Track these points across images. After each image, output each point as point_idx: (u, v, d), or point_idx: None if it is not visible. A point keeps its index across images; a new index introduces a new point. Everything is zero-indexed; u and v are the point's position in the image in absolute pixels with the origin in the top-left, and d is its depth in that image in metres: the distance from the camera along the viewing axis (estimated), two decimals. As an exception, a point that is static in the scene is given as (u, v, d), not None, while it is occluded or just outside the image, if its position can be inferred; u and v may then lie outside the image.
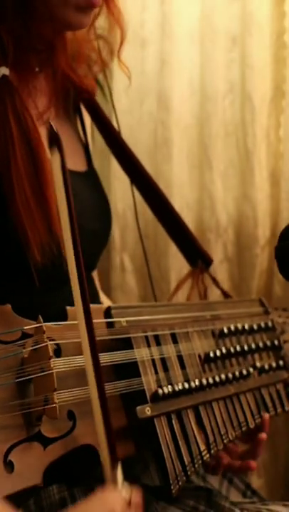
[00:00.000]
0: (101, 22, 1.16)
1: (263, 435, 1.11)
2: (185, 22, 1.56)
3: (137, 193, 1.34)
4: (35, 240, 0.95)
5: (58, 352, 0.92)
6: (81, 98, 1.23)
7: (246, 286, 1.63)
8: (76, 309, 0.84)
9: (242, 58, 1.58)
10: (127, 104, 1.58)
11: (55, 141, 0.81)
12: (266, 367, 1.14)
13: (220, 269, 1.63)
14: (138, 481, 1.05)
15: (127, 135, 1.55)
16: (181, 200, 1.60)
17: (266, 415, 1.12)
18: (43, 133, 1.04)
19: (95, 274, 1.25)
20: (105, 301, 1.30)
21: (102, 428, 0.81)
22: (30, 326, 0.91)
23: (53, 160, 0.81)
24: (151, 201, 1.33)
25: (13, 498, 0.86)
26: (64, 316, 0.97)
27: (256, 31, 1.55)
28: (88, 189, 1.15)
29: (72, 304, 0.95)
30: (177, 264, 1.58)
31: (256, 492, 1.21)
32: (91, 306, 0.84)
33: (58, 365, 0.89)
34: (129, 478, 1.03)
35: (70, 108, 1.21)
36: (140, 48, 1.57)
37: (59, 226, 0.97)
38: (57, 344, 0.92)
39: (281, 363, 1.17)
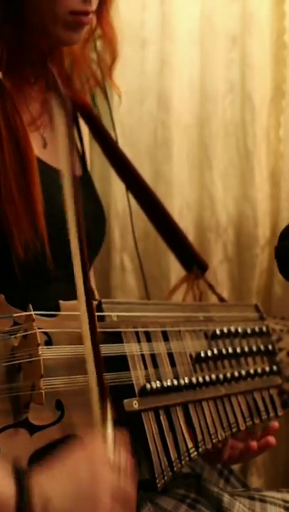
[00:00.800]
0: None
1: (272, 439, 1.13)
2: (185, 22, 1.56)
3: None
4: (19, 236, 0.96)
5: (49, 343, 0.92)
6: (80, 111, 1.24)
7: (246, 286, 1.63)
8: (78, 294, 0.85)
9: (242, 58, 1.58)
10: (127, 104, 1.58)
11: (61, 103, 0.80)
12: (259, 371, 1.13)
13: (220, 269, 1.63)
14: None
15: (127, 135, 1.56)
16: (181, 200, 1.60)
17: (275, 424, 1.13)
18: (35, 138, 1.05)
19: (90, 275, 1.26)
20: None
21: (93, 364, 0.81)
22: (20, 313, 0.92)
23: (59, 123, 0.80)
24: (147, 208, 1.33)
25: None
26: (57, 307, 0.97)
27: (256, 31, 1.55)
28: (82, 192, 1.16)
29: (56, 303, 0.97)
30: (177, 263, 1.58)
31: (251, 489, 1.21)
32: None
33: (46, 352, 0.90)
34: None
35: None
36: (140, 48, 1.57)
37: (43, 224, 0.98)
38: (48, 336, 0.92)
39: (275, 368, 1.16)
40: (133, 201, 1.35)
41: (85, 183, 1.19)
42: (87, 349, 0.85)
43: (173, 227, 1.33)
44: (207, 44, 1.57)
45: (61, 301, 0.97)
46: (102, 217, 1.24)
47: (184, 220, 1.59)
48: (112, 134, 1.31)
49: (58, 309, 0.97)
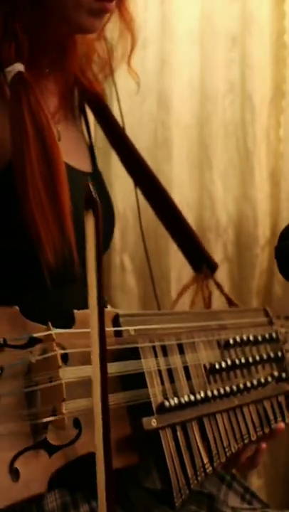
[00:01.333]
0: (112, 25, 1.14)
1: (264, 445, 1.11)
2: (185, 22, 1.56)
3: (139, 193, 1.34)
4: (48, 241, 0.94)
5: (65, 358, 0.90)
6: (88, 100, 1.22)
7: (246, 286, 1.63)
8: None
9: (242, 58, 1.58)
10: (127, 104, 1.57)
11: (91, 204, 0.78)
12: (269, 379, 1.13)
13: (220, 269, 1.61)
14: (140, 485, 1.04)
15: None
16: (181, 200, 1.60)
17: (281, 424, 1.12)
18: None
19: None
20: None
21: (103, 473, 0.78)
22: (39, 333, 0.89)
23: (87, 223, 0.78)
24: (156, 205, 1.30)
25: (15, 505, 0.85)
26: (69, 318, 0.96)
27: (256, 31, 1.55)
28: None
29: (79, 302, 0.93)
30: (177, 263, 1.58)
31: (255, 495, 1.20)
32: None
33: (67, 374, 0.88)
34: (131, 482, 1.03)
35: (75, 108, 1.20)
36: (140, 48, 1.56)
37: (71, 228, 0.95)
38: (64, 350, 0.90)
39: (284, 375, 1.16)
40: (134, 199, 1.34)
41: (94, 181, 1.17)
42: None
43: (183, 225, 1.30)
44: (207, 44, 1.57)
45: (75, 311, 0.95)
46: (112, 216, 1.21)
47: (184, 220, 1.59)
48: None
49: (73, 317, 0.95)
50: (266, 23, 1.57)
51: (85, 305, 0.89)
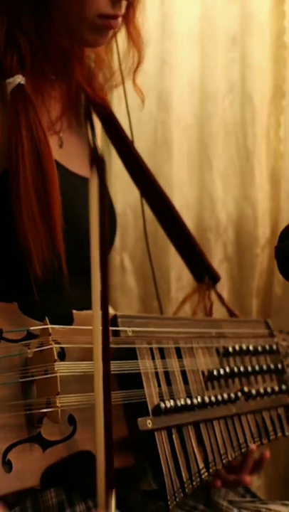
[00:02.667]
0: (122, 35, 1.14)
1: (267, 453, 1.12)
2: (185, 22, 1.56)
3: (136, 193, 1.34)
4: (37, 255, 0.95)
5: (62, 355, 0.91)
6: (95, 108, 1.21)
7: (246, 286, 1.63)
8: (93, 316, 0.83)
9: (242, 58, 1.58)
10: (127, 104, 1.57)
11: (96, 163, 0.78)
12: (269, 390, 1.13)
13: (220, 269, 1.62)
14: (137, 486, 1.04)
15: (127, 135, 1.55)
16: (181, 200, 1.60)
17: (253, 446, 1.11)
18: (53, 143, 1.02)
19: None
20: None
21: (103, 450, 0.79)
22: (36, 326, 0.91)
23: (92, 182, 0.79)
24: (160, 216, 1.31)
25: (9, 498, 0.86)
26: (64, 320, 0.96)
27: (256, 31, 1.56)
28: None
29: (70, 308, 0.96)
30: (177, 263, 1.58)
31: (256, 495, 1.20)
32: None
33: (62, 369, 0.89)
34: (127, 483, 1.03)
35: (80, 116, 1.20)
36: (140, 48, 1.57)
37: (62, 242, 0.96)
38: (61, 347, 0.91)
39: (284, 387, 1.16)
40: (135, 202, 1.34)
41: None
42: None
43: (187, 237, 1.30)
44: (207, 44, 1.57)
45: (74, 311, 0.96)
46: (114, 220, 1.21)
47: (184, 220, 1.58)
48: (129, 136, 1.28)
49: (71, 318, 0.96)
50: (266, 23, 1.57)
51: (80, 306, 0.89)
